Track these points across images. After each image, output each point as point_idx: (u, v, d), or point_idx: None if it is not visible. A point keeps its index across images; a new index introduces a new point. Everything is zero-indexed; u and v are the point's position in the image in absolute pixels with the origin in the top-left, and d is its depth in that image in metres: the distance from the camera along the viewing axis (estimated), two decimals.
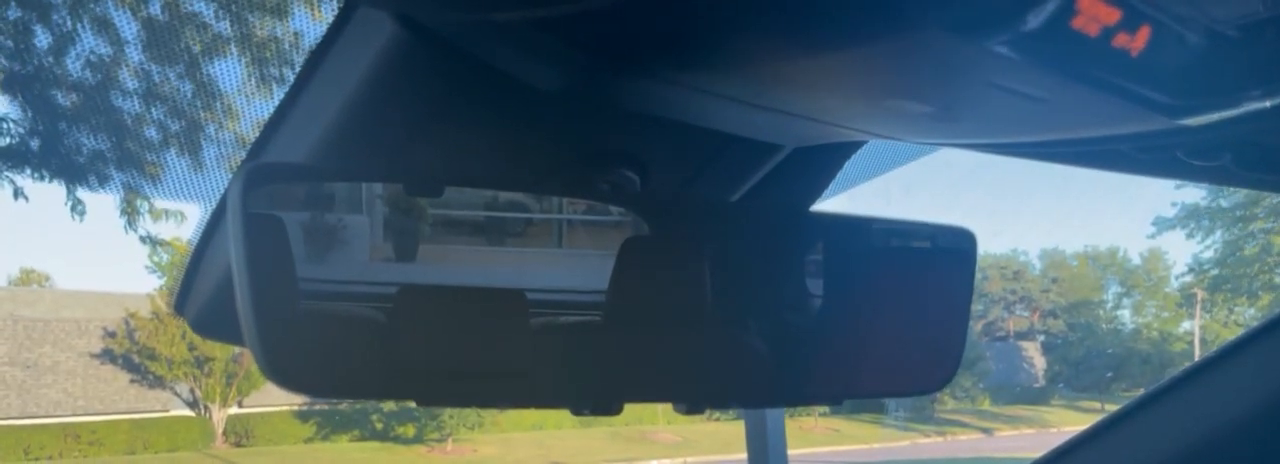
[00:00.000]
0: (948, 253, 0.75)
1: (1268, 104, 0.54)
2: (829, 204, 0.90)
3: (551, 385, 0.63)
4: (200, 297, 0.88)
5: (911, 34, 0.46)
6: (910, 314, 0.76)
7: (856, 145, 0.82)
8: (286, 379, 0.53)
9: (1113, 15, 0.46)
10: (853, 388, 0.77)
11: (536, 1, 0.50)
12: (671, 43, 0.55)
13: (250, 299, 0.51)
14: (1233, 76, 0.54)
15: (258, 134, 0.78)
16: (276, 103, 0.73)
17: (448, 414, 23.90)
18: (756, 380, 0.71)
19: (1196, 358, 1.16)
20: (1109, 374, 35.52)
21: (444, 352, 0.60)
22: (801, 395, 0.80)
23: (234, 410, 24.47)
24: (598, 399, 0.61)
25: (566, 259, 0.83)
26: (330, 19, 0.66)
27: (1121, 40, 0.47)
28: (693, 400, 0.64)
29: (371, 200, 0.72)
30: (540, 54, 0.59)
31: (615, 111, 0.66)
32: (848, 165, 0.87)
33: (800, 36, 0.50)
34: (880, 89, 0.58)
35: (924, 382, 0.76)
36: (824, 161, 0.84)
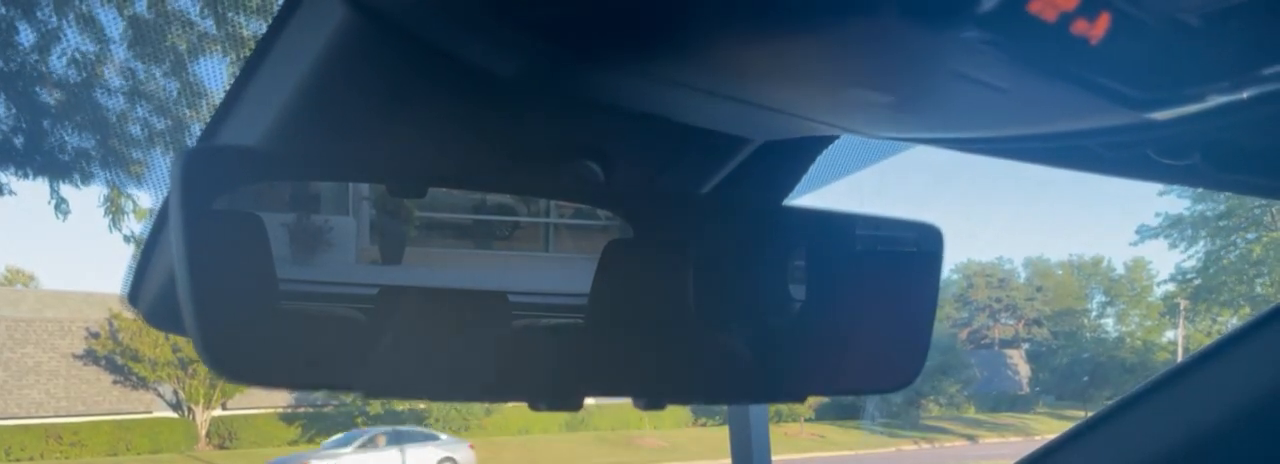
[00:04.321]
0: (916, 249, 0.74)
1: (1235, 98, 0.53)
2: (801, 202, 0.89)
3: (514, 381, 0.62)
4: (153, 287, 0.87)
5: (868, 18, 0.46)
6: (878, 310, 0.75)
7: (827, 140, 0.82)
8: (224, 367, 0.52)
9: (1071, 0, 0.45)
10: (820, 384, 0.77)
11: None
12: (627, 29, 0.54)
13: (188, 285, 0.50)
14: (1199, 68, 0.53)
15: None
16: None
17: (433, 418, 23.84)
18: (723, 376, 0.70)
19: None
20: (1085, 378, 35.72)
21: (413, 349, 0.59)
22: (767, 392, 0.80)
23: (218, 412, 24.33)
24: (560, 393, 0.60)
25: (553, 262, 0.82)
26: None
27: (1080, 27, 0.46)
28: (654, 396, 0.64)
29: (358, 202, 0.72)
30: (495, 40, 0.58)
31: (576, 101, 0.64)
32: (819, 161, 0.86)
33: (758, 22, 0.49)
34: (841, 78, 0.57)
35: (891, 378, 0.76)
36: (794, 156, 0.83)
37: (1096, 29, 0.46)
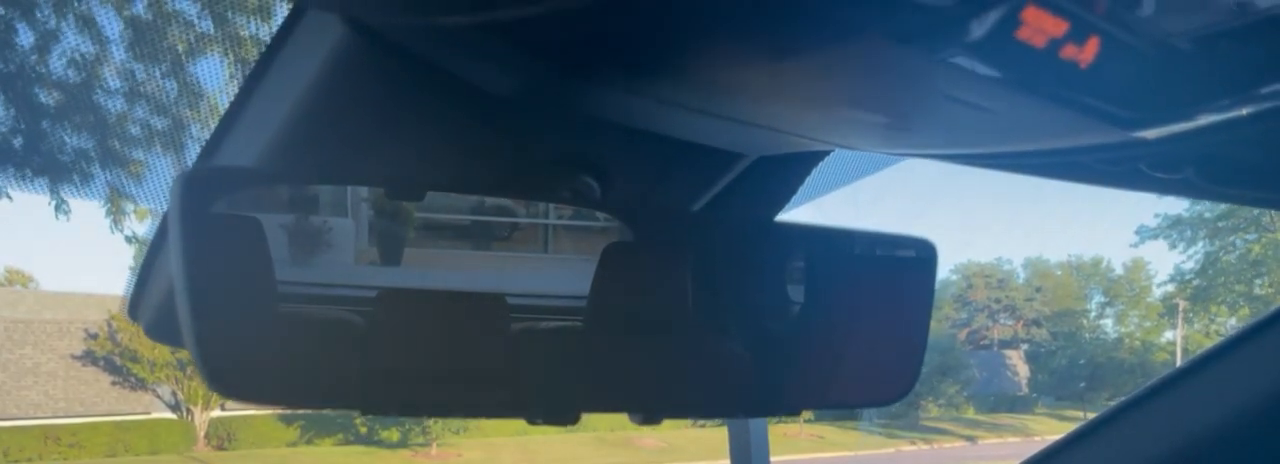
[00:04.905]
0: (909, 264, 0.75)
1: (1225, 117, 0.54)
2: (797, 213, 0.90)
3: (512, 397, 0.62)
4: (154, 300, 0.87)
5: (859, 43, 0.46)
6: (873, 323, 0.75)
7: (821, 155, 0.82)
8: (222, 382, 0.52)
9: (1059, 27, 0.45)
10: (814, 399, 0.77)
11: (482, 6, 0.49)
12: (621, 50, 0.54)
13: (187, 291, 0.50)
14: (1187, 89, 0.53)
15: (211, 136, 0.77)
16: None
17: (433, 420, 23.79)
18: (719, 391, 0.71)
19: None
20: (1082, 384, 35.77)
21: (411, 361, 0.59)
22: (763, 406, 0.80)
23: (217, 413, 24.30)
24: (558, 408, 0.61)
25: (552, 264, 0.82)
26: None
27: (1069, 52, 0.46)
28: (651, 411, 0.64)
29: (357, 204, 0.72)
30: (491, 59, 0.58)
31: (572, 117, 0.65)
32: (814, 174, 0.86)
33: (751, 44, 0.49)
34: (834, 99, 0.58)
35: (884, 392, 0.76)
36: (789, 171, 0.83)
37: (1085, 53, 0.47)
